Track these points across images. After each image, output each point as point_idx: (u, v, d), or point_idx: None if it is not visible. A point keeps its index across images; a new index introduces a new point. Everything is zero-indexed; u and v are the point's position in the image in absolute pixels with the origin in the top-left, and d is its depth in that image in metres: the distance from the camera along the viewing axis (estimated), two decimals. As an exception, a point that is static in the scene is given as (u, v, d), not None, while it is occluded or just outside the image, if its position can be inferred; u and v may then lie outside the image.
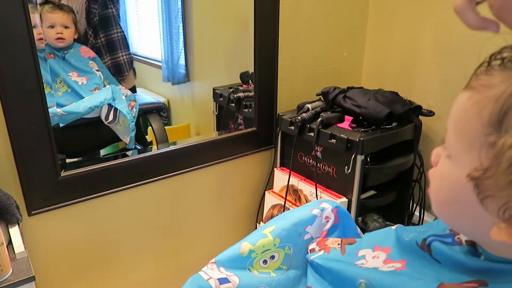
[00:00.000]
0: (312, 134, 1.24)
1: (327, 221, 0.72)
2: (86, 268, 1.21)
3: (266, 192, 1.46)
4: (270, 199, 1.44)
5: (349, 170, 1.17)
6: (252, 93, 1.42)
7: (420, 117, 1.31)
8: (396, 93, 1.30)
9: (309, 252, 0.70)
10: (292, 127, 1.30)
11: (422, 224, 1.41)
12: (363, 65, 1.61)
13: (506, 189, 0.35)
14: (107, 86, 1.32)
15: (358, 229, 0.76)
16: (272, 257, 0.68)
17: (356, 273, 0.55)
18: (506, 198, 0.35)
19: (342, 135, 1.16)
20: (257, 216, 1.53)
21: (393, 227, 0.64)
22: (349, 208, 1.22)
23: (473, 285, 0.42)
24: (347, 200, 1.22)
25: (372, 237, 0.66)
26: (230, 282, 0.64)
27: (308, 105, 1.30)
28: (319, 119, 1.22)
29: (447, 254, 0.47)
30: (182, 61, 1.65)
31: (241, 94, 1.48)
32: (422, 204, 1.39)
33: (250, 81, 1.45)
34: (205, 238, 1.45)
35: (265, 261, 0.68)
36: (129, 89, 1.51)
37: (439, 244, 0.49)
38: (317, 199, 1.27)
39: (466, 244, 0.47)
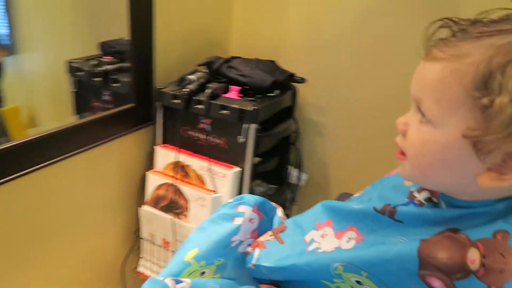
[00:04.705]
0: (200, 106, 1.20)
1: (252, 222, 0.71)
2: None
3: (147, 173, 1.36)
4: (154, 180, 1.34)
5: (243, 140, 1.18)
6: (121, 65, 1.27)
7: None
8: (274, 62, 1.35)
9: (246, 255, 0.69)
10: (177, 101, 1.23)
11: (300, 183, 1.53)
12: (232, 34, 1.61)
13: (504, 142, 0.40)
14: None
15: (272, 203, 0.77)
16: (202, 273, 0.66)
17: (326, 259, 0.56)
18: (503, 150, 0.40)
19: (234, 106, 1.15)
20: (138, 199, 1.41)
21: (319, 203, 0.67)
22: (242, 177, 1.24)
23: (448, 234, 0.46)
24: (240, 169, 1.23)
25: (306, 218, 0.67)
26: (184, 282, 0.58)
27: (191, 76, 1.24)
28: (209, 90, 1.18)
29: (414, 212, 0.51)
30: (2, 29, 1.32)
31: (108, 67, 1.31)
32: (298, 165, 1.51)
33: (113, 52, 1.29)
34: (87, 234, 1.27)
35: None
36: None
37: (405, 207, 0.52)
38: (210, 172, 1.24)
39: (426, 202, 0.53)
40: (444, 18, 0.47)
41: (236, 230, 0.68)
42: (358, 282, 0.53)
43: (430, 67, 0.45)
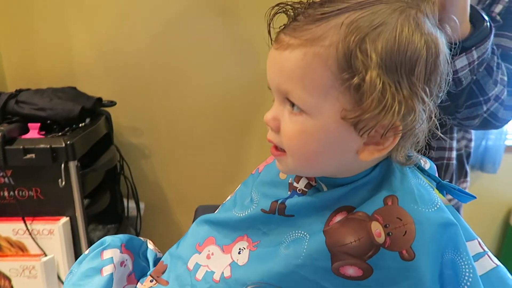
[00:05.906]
0: (-8, 157, 0.95)
1: (125, 266, 0.58)
2: None
3: None
4: None
5: (64, 183, 0.98)
6: None
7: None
8: (75, 88, 1.18)
9: None
10: (-44, 159, 0.94)
11: (139, 213, 1.39)
12: (3, 66, 1.34)
13: (380, 116, 0.39)
14: None
15: (140, 238, 0.65)
16: None
17: (229, 284, 0.48)
18: (380, 124, 0.40)
19: (42, 146, 0.95)
20: None
21: (194, 224, 0.59)
22: (75, 227, 1.04)
23: (346, 216, 0.44)
24: (69, 218, 1.03)
25: (183, 245, 0.58)
26: None
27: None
28: (-2, 135, 0.94)
29: (303, 202, 0.48)
30: None
31: None
32: (133, 195, 1.36)
33: None
34: None
35: None
36: None
37: (292, 200, 0.49)
38: (30, 234, 0.99)
39: (307, 189, 0.50)
40: (279, 4, 0.43)
41: (109, 282, 0.54)
42: None
43: (289, 55, 0.41)
